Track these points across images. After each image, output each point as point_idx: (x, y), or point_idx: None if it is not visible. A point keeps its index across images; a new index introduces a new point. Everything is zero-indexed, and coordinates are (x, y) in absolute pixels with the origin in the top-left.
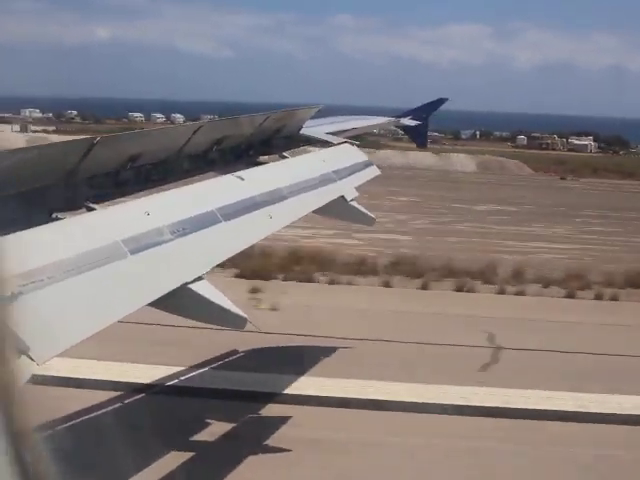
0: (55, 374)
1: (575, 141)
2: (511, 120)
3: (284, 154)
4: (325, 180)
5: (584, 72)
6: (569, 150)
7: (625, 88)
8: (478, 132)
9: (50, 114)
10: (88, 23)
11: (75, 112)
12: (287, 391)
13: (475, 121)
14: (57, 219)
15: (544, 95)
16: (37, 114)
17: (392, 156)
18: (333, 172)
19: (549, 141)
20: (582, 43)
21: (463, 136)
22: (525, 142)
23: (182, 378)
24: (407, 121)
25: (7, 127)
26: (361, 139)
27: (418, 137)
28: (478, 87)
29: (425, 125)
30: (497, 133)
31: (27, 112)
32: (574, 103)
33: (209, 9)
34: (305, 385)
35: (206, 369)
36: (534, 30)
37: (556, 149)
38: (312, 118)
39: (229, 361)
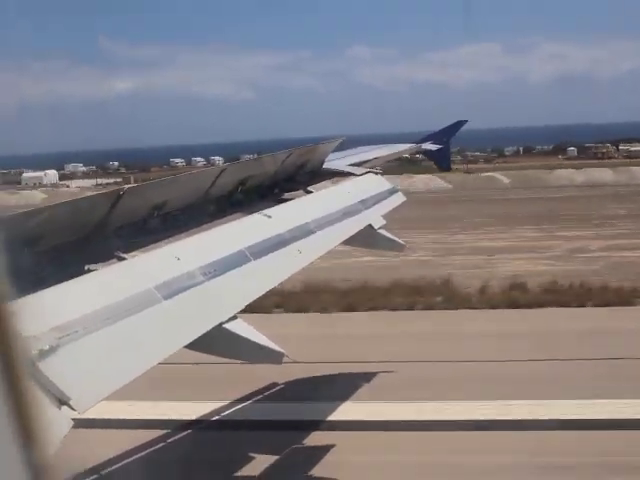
0: (107, 417)
1: (631, 148)
2: (534, 134)
3: (309, 189)
4: (351, 211)
5: (601, 80)
6: (625, 157)
7: None
8: (521, 148)
9: (94, 167)
10: (107, 78)
11: (117, 163)
12: None
13: (499, 137)
14: (90, 271)
15: (562, 106)
16: (81, 168)
17: (574, 175)
18: (359, 202)
19: (604, 150)
20: (597, 51)
21: (507, 153)
22: (575, 153)
23: (226, 412)
24: (429, 146)
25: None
26: None
27: (441, 161)
28: (495, 104)
29: (447, 148)
30: (539, 147)
31: (70, 167)
32: (594, 112)
33: (227, 52)
34: None
35: (248, 402)
36: (547, 43)
37: (612, 157)
38: (334, 151)
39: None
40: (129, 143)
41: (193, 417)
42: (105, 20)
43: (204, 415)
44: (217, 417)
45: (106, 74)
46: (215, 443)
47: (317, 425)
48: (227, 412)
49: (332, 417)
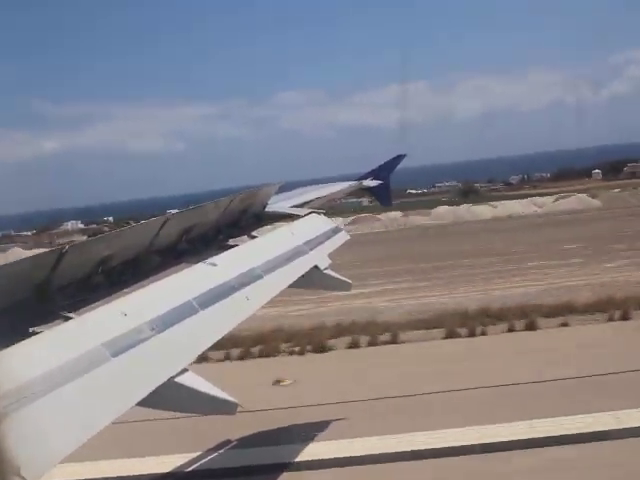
0: None
1: None
2: (477, 167)
3: (253, 234)
4: (297, 253)
5: (525, 112)
6: None
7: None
8: (526, 176)
9: (94, 225)
10: (38, 137)
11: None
12: None
13: (442, 173)
14: (35, 333)
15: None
16: (80, 225)
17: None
18: (304, 243)
19: None
20: (521, 84)
21: (512, 181)
22: (600, 176)
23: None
24: (369, 182)
25: None
26: None
27: (382, 197)
28: (426, 141)
29: (387, 184)
30: (537, 174)
31: (69, 225)
32: (518, 143)
33: (157, 105)
34: None
35: (202, 452)
36: (473, 78)
37: None
38: (275, 194)
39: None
40: (50, 204)
41: (160, 470)
42: (32, 80)
43: (175, 467)
44: (184, 469)
45: (34, 135)
46: None
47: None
48: (193, 463)
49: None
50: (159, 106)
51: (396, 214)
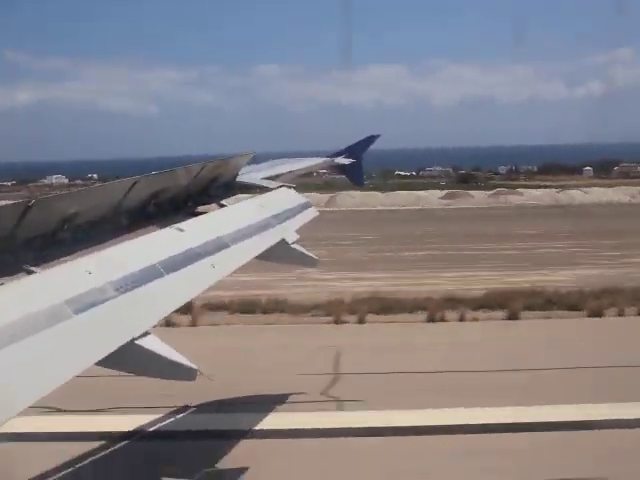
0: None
1: None
2: (447, 155)
3: (222, 202)
4: (265, 225)
5: (501, 105)
6: None
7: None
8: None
9: (79, 180)
10: (12, 88)
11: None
12: None
13: (413, 158)
14: None
15: (466, 128)
16: (63, 180)
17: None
18: (272, 217)
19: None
20: (500, 76)
21: (501, 172)
22: (592, 173)
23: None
24: (342, 160)
25: None
26: None
27: (355, 176)
28: (402, 125)
29: (359, 163)
30: (524, 167)
31: (53, 178)
32: (495, 134)
33: (131, 67)
34: None
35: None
36: (452, 66)
37: None
38: (247, 165)
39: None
40: (27, 157)
41: (122, 429)
42: (8, 31)
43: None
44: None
45: (8, 85)
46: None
47: None
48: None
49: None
50: (133, 67)
51: (480, 192)
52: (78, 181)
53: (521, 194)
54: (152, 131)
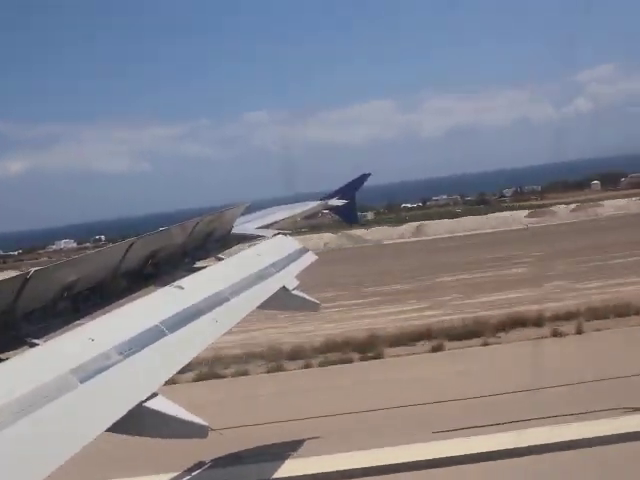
0: None
1: None
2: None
3: (220, 256)
4: (264, 274)
5: (489, 130)
6: None
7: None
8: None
9: (88, 244)
10: (2, 159)
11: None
12: None
13: (411, 190)
14: (1, 361)
15: (451, 157)
16: (72, 244)
17: None
18: (271, 265)
19: None
20: (484, 102)
21: (506, 194)
22: (599, 187)
23: None
24: (335, 202)
25: None
26: None
27: (348, 215)
28: (393, 159)
29: (353, 203)
30: (527, 187)
31: (62, 243)
32: (483, 160)
33: (124, 125)
34: None
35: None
36: (437, 97)
37: None
38: (242, 215)
39: None
40: (26, 225)
41: None
42: None
43: None
44: None
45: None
46: None
47: None
48: None
49: None
50: (125, 127)
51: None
52: (87, 244)
53: (602, 205)
54: (150, 188)
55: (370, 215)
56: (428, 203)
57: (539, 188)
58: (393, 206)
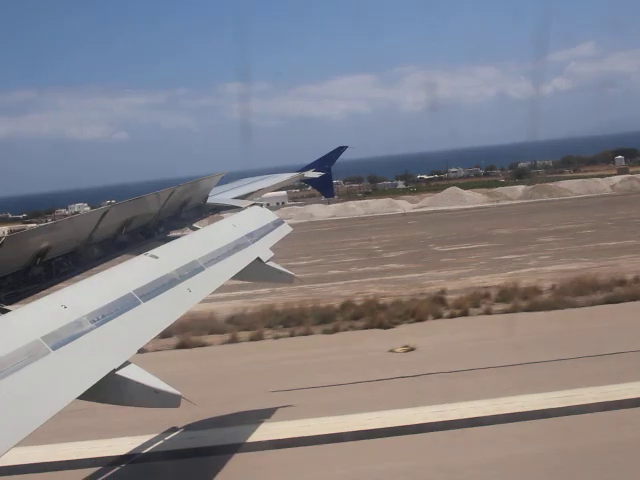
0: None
1: None
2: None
3: (195, 225)
4: (239, 245)
5: (469, 106)
6: None
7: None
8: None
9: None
10: None
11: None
12: None
13: (392, 165)
14: None
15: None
16: (86, 208)
17: None
18: (246, 236)
19: None
20: (461, 78)
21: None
22: (623, 162)
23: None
24: (311, 174)
25: None
26: None
27: (325, 188)
28: (372, 134)
29: (329, 175)
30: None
31: (76, 207)
32: (464, 136)
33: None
34: None
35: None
36: (416, 73)
37: None
38: (217, 185)
39: None
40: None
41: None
42: None
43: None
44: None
45: None
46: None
47: None
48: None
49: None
50: (102, 95)
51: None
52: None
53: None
54: (123, 157)
55: (400, 184)
56: (445, 175)
57: (550, 163)
58: (408, 177)
